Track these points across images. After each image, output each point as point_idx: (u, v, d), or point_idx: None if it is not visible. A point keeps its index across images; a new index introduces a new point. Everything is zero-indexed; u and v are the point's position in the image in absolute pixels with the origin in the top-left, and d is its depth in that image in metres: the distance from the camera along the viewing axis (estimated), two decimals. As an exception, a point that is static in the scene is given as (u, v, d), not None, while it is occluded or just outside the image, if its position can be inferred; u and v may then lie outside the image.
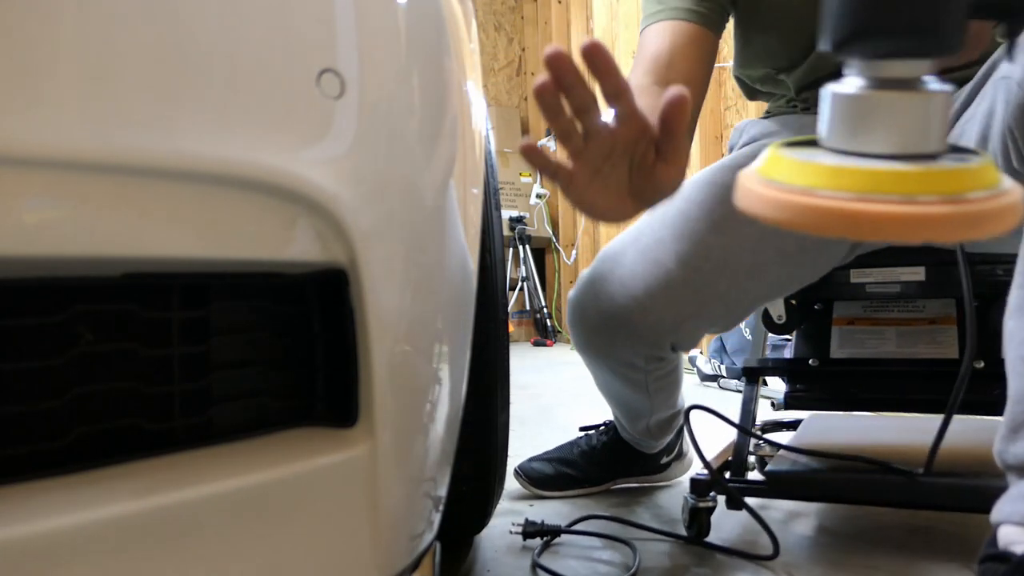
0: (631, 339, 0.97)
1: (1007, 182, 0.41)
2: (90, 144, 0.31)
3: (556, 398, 2.37)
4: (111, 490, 0.34)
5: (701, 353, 2.69)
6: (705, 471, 0.99)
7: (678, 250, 0.93)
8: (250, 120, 0.36)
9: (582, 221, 4.53)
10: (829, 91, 0.41)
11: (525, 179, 4.98)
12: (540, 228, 4.82)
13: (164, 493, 0.34)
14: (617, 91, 0.57)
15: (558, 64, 0.53)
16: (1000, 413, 0.97)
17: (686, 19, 0.95)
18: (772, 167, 0.42)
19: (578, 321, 1.03)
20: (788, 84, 1.06)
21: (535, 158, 0.57)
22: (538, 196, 4.77)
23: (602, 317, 0.97)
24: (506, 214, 4.60)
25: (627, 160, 0.62)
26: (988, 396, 0.97)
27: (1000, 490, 0.70)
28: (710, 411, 1.02)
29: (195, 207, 0.35)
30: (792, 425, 1.28)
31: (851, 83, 0.41)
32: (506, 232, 4.62)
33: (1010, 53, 0.58)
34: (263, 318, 0.42)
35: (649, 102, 0.63)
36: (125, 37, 0.32)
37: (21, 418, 0.34)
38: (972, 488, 0.88)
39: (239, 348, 0.41)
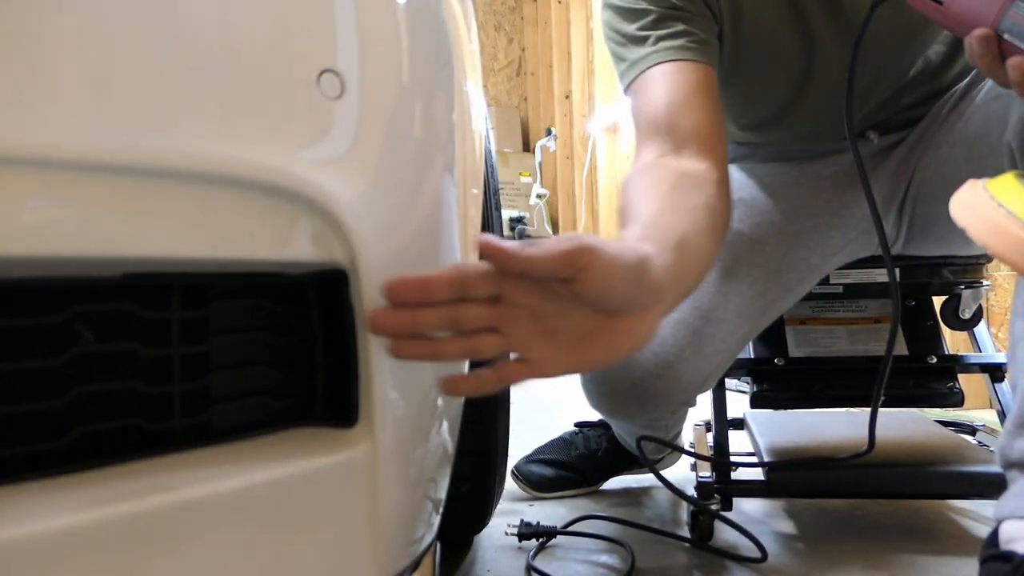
0: (665, 401, 0.95)
1: None
2: (90, 144, 0.31)
3: (556, 398, 2.37)
4: (111, 490, 0.33)
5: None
6: (707, 474, 1.00)
7: (699, 306, 0.92)
8: (250, 120, 0.36)
9: (582, 221, 4.53)
10: None
11: (525, 179, 4.98)
12: (540, 228, 4.82)
13: (164, 493, 0.34)
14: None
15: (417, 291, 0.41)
16: (952, 405, 1.02)
17: (684, 58, 0.79)
18: (1015, 199, 0.39)
19: (606, 392, 0.97)
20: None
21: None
22: (538, 196, 4.77)
23: (635, 387, 0.93)
24: (506, 214, 4.60)
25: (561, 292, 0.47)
26: (942, 389, 1.04)
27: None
28: (666, 443, 1.04)
29: (195, 207, 0.35)
30: (736, 424, 1.29)
31: None
32: (506, 232, 4.61)
33: None
34: (263, 318, 0.42)
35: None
36: (125, 37, 0.32)
37: (21, 418, 0.34)
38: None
39: (239, 348, 0.41)
